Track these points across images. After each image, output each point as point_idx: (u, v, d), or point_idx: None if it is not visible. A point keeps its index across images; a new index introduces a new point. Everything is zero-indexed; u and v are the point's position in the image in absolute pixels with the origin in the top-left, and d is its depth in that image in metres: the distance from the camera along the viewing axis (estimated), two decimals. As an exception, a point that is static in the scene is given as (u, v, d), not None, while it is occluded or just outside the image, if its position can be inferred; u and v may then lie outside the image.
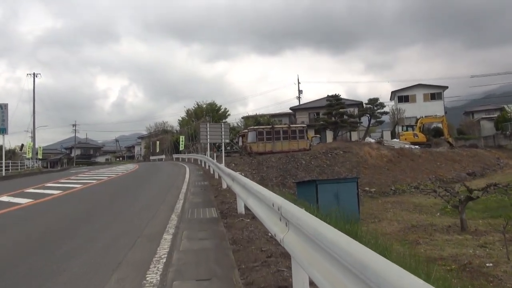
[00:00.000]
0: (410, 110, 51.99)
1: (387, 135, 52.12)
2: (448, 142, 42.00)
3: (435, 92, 53.96)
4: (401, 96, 54.85)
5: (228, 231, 6.33)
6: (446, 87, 54.38)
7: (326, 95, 58.86)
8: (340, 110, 37.64)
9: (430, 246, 13.81)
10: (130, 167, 34.06)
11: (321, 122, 38.32)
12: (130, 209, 9.24)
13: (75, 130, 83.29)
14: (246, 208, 7.50)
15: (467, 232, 15.47)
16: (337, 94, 38.53)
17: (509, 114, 49.79)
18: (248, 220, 7.19)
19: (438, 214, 20.97)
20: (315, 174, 28.68)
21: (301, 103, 62.38)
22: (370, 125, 39.90)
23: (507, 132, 47.83)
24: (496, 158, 41.23)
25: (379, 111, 37.79)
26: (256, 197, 5.16)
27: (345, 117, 38.04)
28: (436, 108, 52.69)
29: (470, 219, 17.21)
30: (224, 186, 12.52)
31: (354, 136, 46.21)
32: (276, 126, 33.34)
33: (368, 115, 37.54)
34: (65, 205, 10.68)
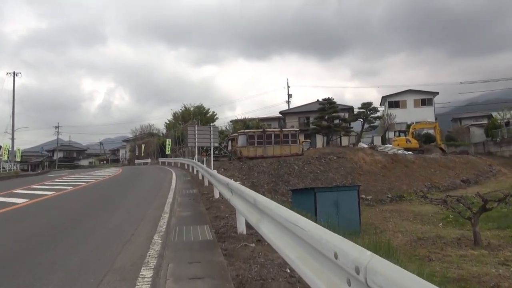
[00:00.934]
0: (400, 116, 51.08)
1: (377, 140, 51.06)
2: (441, 148, 41.05)
3: (425, 98, 53.21)
4: (392, 101, 53.96)
5: (229, 264, 4.65)
6: (437, 93, 53.70)
7: (316, 100, 57.90)
8: (333, 114, 36.23)
9: (444, 263, 12.31)
10: (113, 171, 32.04)
11: (314, 127, 36.85)
12: (103, 227, 7.45)
13: (57, 132, 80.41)
14: (248, 225, 5.85)
15: (481, 246, 14.06)
16: (330, 97, 37.16)
17: (499, 121, 49.21)
18: (253, 244, 5.54)
19: (441, 224, 19.65)
20: (309, 180, 27.16)
21: (289, 107, 61.08)
22: (363, 130, 38.61)
23: (497, 139, 47.17)
24: (488, 165, 40.38)
25: (372, 115, 36.55)
26: (278, 224, 3.48)
27: (338, 121, 36.61)
28: (426, 114, 51.93)
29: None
30: (217, 195, 10.84)
31: (344, 141, 44.99)
32: (267, 130, 31.76)
33: (361, 120, 36.26)
34: (20, 223, 8.11)
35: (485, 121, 60.14)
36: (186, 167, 28.54)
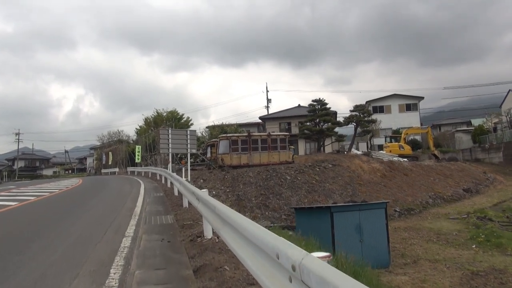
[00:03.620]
0: (385, 121, 47.85)
1: (362, 146, 47.50)
2: (434, 155, 37.81)
3: (410, 103, 50.28)
4: (376, 106, 50.68)
5: None
6: (422, 98, 50.85)
7: (297, 105, 54.01)
8: (326, 117, 32.05)
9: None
10: (72, 182, 26.57)
11: (305, 131, 32.54)
12: None
13: (18, 139, 72.79)
14: None
15: None
16: (321, 98, 33.03)
17: (486, 127, 46.70)
18: None
19: (474, 246, 15.63)
20: (303, 192, 22.77)
21: (268, 112, 56.75)
22: (356, 134, 34.71)
23: (486, 145, 44.50)
24: (483, 172, 37.41)
25: (366, 119, 32.68)
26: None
27: (328, 125, 32.43)
28: (412, 119, 49.00)
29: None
30: (208, 233, 6.18)
31: (328, 148, 41.00)
32: (253, 134, 27.16)
33: (354, 124, 32.41)
34: None
35: (464, 127, 58.14)
36: (158, 177, 23.57)
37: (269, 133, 27.37)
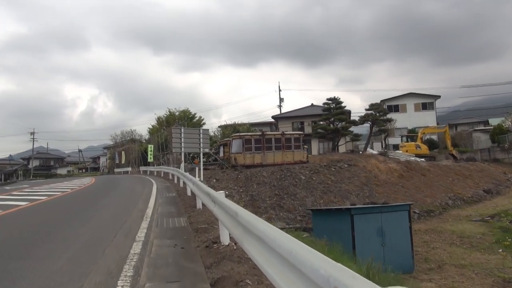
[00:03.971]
0: (400, 120, 46.73)
1: (377, 146, 46.55)
2: (452, 154, 36.69)
3: (426, 102, 49.07)
4: (391, 105, 49.57)
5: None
6: (438, 97, 49.59)
7: (310, 104, 53.21)
8: (341, 115, 31.25)
9: None
10: (84, 182, 26.38)
11: (319, 130, 31.78)
12: None
13: (33, 138, 73.38)
14: None
15: None
16: (335, 97, 32.21)
17: (506, 126, 45.27)
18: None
19: (501, 250, 14.82)
20: (319, 192, 22.13)
21: (281, 112, 56.08)
22: (372, 134, 33.79)
23: (505, 145, 43.12)
24: (503, 173, 36.18)
25: (382, 118, 31.76)
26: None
27: (343, 124, 31.60)
28: (428, 119, 47.77)
29: None
30: (225, 238, 5.64)
31: (341, 147, 40.14)
32: (267, 133, 26.58)
33: (370, 123, 31.51)
34: None
35: (481, 127, 56.59)
36: (170, 177, 23.18)
37: (283, 132, 26.77)
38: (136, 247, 5.70)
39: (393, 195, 23.18)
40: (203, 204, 9.27)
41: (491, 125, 56.95)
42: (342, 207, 14.27)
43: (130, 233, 6.88)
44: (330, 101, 32.44)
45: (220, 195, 5.53)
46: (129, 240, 6.28)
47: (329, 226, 12.58)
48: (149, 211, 9.70)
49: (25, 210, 10.82)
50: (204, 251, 5.47)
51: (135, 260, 4.99)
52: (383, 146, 46.20)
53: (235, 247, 5.35)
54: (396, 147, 44.70)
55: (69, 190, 18.42)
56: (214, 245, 5.57)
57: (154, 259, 5.10)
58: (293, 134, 26.43)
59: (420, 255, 14.06)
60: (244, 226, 3.30)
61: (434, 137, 46.33)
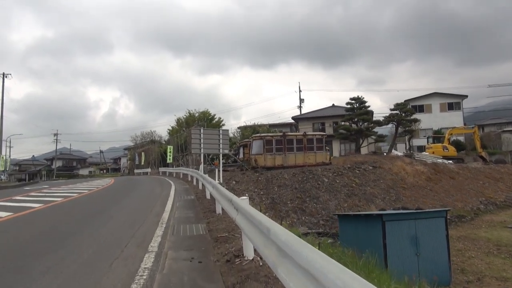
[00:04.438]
0: (425, 121, 45.00)
1: (401, 147, 45.03)
2: (481, 157, 34.96)
3: (452, 102, 47.21)
4: (415, 105, 47.86)
5: None
6: (465, 96, 47.64)
7: (331, 104, 52.05)
8: (364, 116, 30.08)
9: None
10: (104, 182, 26.14)
11: (341, 131, 30.68)
12: None
13: (56, 139, 74.65)
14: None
15: None
16: (359, 96, 31.06)
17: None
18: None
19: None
20: (343, 196, 21.14)
21: (301, 113, 55.00)
22: (397, 135, 32.45)
23: (538, 147, 41.03)
24: (536, 176, 34.21)
25: (408, 118, 30.40)
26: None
27: (366, 124, 30.39)
28: (454, 119, 45.90)
29: None
30: (249, 251, 4.86)
31: (363, 149, 38.82)
32: (288, 134, 25.71)
33: (395, 123, 30.23)
34: None
35: (510, 128, 54.22)
36: (189, 178, 22.62)
37: (304, 132, 25.85)
38: (148, 260, 4.99)
39: (422, 199, 21.98)
40: (223, 209, 8.55)
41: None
42: (372, 212, 13.27)
43: (143, 242, 6.19)
44: (353, 101, 31.30)
45: (244, 202, 4.76)
46: (141, 250, 5.59)
47: (357, 232, 11.66)
48: (166, 215, 9.03)
49: (36, 214, 10.32)
50: (225, 267, 4.71)
51: (145, 277, 4.27)
52: (407, 148, 44.64)
53: (261, 263, 4.57)
54: (420, 148, 43.10)
55: (86, 191, 18.03)
56: (237, 260, 4.80)
57: (167, 276, 4.37)
58: (315, 134, 25.47)
59: (456, 265, 12.96)
60: (279, 248, 2.53)
61: (461, 138, 44.51)
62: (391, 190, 22.08)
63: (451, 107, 47.20)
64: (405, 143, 45.03)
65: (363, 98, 30.91)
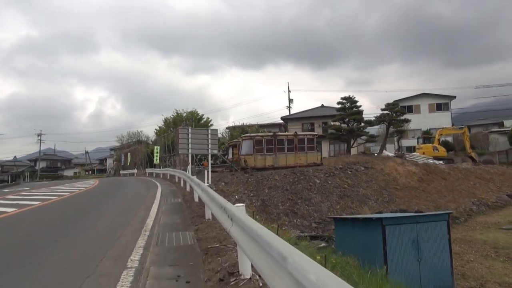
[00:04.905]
0: (414, 122, 44.85)
1: (390, 148, 44.74)
2: (471, 157, 34.83)
3: (441, 103, 47.20)
4: (404, 106, 47.65)
5: None
6: (454, 97, 47.69)
7: (320, 105, 51.59)
8: (356, 116, 29.54)
9: None
10: (87, 184, 25.07)
11: (331, 131, 30.09)
12: None
13: (40, 140, 72.53)
14: None
15: None
16: (350, 95, 30.53)
17: (525, 127, 43.27)
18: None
19: (545, 265, 13.10)
20: (335, 197, 20.53)
21: (290, 113, 54.39)
22: (388, 135, 32.06)
23: (526, 147, 41.15)
24: (525, 176, 34.20)
25: (400, 118, 30.02)
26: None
27: (356, 124, 29.89)
28: (442, 120, 45.94)
29: None
30: (246, 269, 4.10)
31: (352, 150, 38.38)
32: (279, 134, 25.01)
33: (386, 123, 29.83)
34: None
35: (496, 128, 54.51)
36: (176, 180, 21.76)
37: (295, 132, 25.17)
38: (126, 280, 4.21)
39: (414, 200, 21.52)
40: (212, 214, 7.79)
41: (507, 127, 54.91)
42: (371, 216, 12.58)
43: (122, 254, 5.40)
44: (344, 101, 30.76)
45: (240, 211, 4.01)
46: (118, 266, 4.80)
47: (355, 237, 11.01)
48: (150, 221, 8.23)
49: (5, 221, 9.39)
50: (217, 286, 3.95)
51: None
52: (396, 148, 44.41)
53: (260, 284, 3.82)
54: (409, 149, 42.90)
55: (67, 194, 17.03)
56: (232, 279, 4.04)
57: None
58: (306, 135, 24.82)
59: (456, 269, 12.39)
60: (292, 276, 1.79)
61: (449, 138, 44.47)
62: (383, 191, 21.55)
63: (439, 107, 47.18)
64: (394, 144, 44.81)
65: (354, 97, 30.42)
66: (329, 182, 21.59)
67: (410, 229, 10.26)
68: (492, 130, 50.25)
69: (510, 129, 45.24)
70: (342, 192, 20.91)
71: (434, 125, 45.15)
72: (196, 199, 12.28)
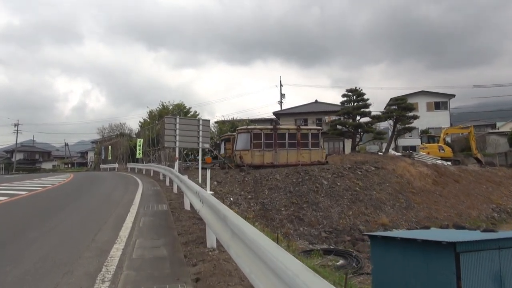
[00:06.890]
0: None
1: (383, 147, 42.05)
2: (477, 158, 32.38)
3: (440, 101, 44.78)
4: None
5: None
6: (453, 96, 45.33)
7: (314, 100, 48.61)
8: (363, 109, 26.53)
9: None
10: (59, 179, 21.43)
11: (337, 126, 27.00)
12: None
13: (17, 130, 67.77)
14: None
15: None
16: (356, 87, 27.42)
17: (526, 129, 41.18)
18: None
19: None
20: (346, 201, 17.48)
21: (282, 108, 51.27)
22: (395, 132, 29.19)
23: (526, 149, 39.00)
24: (531, 180, 31.91)
25: (407, 114, 27.16)
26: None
27: (360, 119, 26.87)
28: (441, 119, 43.52)
29: None
30: None
31: (347, 147, 35.59)
32: (279, 127, 21.79)
33: (393, 120, 26.98)
34: None
35: (489, 130, 52.73)
36: (161, 177, 18.38)
37: (298, 126, 22.01)
38: None
39: (434, 206, 18.67)
40: (218, 238, 4.56)
41: (498, 128, 53.19)
42: (441, 240, 9.28)
43: None
44: (350, 93, 27.66)
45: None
46: None
47: (406, 265, 7.89)
48: (116, 254, 4.91)
49: None
50: None
51: None
52: (393, 148, 41.81)
53: None
54: (406, 148, 40.45)
55: (25, 193, 13.44)
56: None
57: None
58: (310, 129, 21.61)
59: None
60: None
61: (447, 138, 42.16)
62: (399, 195, 18.62)
63: (438, 106, 44.78)
64: (392, 142, 42.15)
65: (361, 90, 27.36)
66: (338, 183, 18.53)
67: (491, 258, 7.18)
68: (490, 131, 48.21)
69: (509, 131, 43.12)
70: (354, 195, 17.88)
71: (433, 124, 42.80)
72: (187, 207, 9.02)
